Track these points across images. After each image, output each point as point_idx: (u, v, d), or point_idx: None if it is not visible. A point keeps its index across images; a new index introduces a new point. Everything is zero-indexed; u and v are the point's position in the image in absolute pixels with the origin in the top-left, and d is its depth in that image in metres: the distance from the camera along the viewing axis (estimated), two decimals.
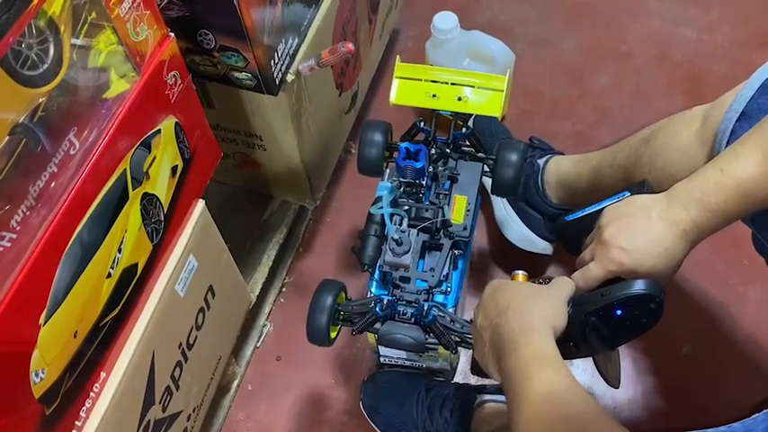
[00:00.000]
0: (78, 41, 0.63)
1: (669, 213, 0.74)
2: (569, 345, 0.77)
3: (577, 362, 1.17)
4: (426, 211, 0.89)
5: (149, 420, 0.85)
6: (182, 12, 0.85)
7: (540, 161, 1.19)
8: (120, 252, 0.74)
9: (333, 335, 0.88)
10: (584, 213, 0.89)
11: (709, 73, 1.49)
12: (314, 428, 1.15)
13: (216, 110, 1.02)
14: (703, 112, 0.88)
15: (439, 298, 0.90)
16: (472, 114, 1.22)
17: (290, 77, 0.97)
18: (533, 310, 0.72)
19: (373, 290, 0.91)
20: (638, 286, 0.72)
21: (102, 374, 0.77)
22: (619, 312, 0.73)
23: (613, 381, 0.83)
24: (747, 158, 0.71)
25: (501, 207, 1.23)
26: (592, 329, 0.74)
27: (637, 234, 0.75)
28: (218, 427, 1.14)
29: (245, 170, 1.19)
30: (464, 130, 0.96)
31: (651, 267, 0.74)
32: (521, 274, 0.86)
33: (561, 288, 0.76)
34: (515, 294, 0.75)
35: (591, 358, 0.81)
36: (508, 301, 0.74)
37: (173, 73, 0.77)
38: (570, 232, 0.92)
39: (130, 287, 0.78)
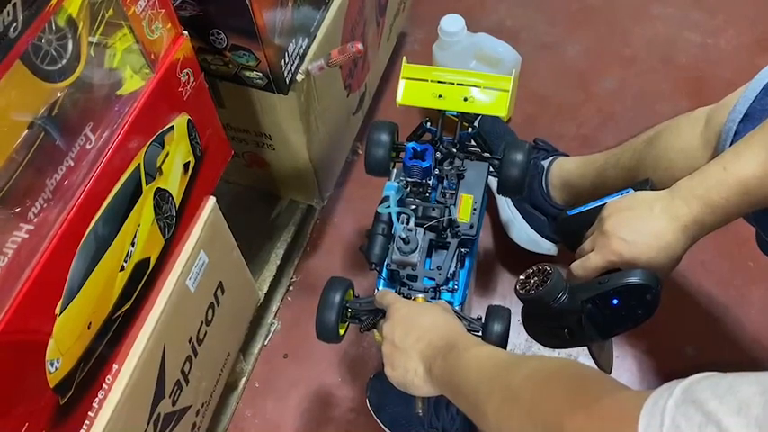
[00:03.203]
0: (95, 39, 0.65)
1: (671, 208, 0.75)
2: (563, 332, 0.78)
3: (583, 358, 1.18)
4: (433, 210, 0.90)
5: (159, 413, 0.86)
6: (195, 11, 0.86)
7: (545, 162, 1.20)
8: (133, 246, 0.75)
9: (341, 332, 0.89)
10: (587, 208, 0.90)
11: (713, 77, 1.50)
12: (320, 426, 1.16)
13: (226, 109, 1.03)
14: (706, 113, 0.89)
15: (446, 296, 0.91)
16: (478, 115, 1.23)
17: (299, 77, 0.99)
18: (451, 319, 0.79)
19: (381, 288, 0.92)
20: (636, 276, 0.73)
21: (115, 366, 0.78)
22: (615, 301, 0.74)
23: (605, 366, 0.84)
24: (750, 157, 0.72)
25: (506, 208, 1.25)
26: (587, 317, 0.75)
27: (638, 227, 0.76)
28: (226, 424, 1.15)
29: (253, 169, 1.20)
30: (470, 130, 0.98)
31: (650, 260, 0.75)
32: (420, 296, 0.88)
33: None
34: (433, 310, 0.80)
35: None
36: (429, 316, 0.78)
37: (186, 71, 0.78)
38: (572, 227, 0.93)
39: (143, 281, 0.79)
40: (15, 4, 0.52)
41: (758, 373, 0.42)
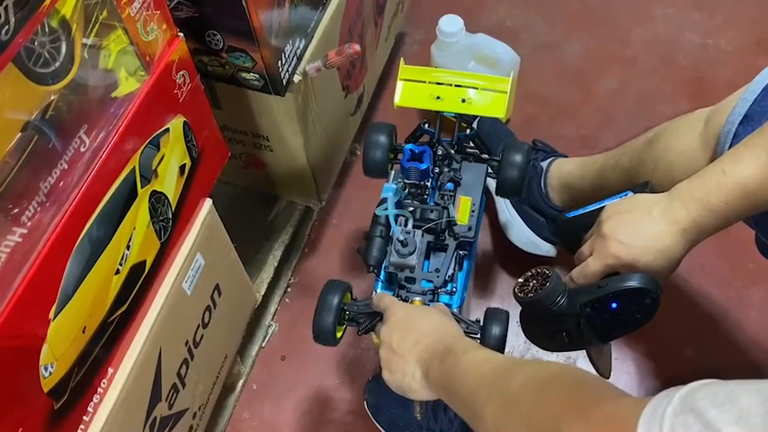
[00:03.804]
0: (89, 41, 0.64)
1: (670, 212, 0.74)
2: (562, 335, 0.77)
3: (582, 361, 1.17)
4: (431, 212, 0.90)
5: (156, 417, 0.86)
6: (191, 12, 0.86)
7: (544, 164, 1.19)
8: (128, 249, 0.75)
9: (338, 334, 0.89)
10: (586, 211, 0.90)
11: (713, 77, 1.49)
12: (318, 428, 1.16)
13: (223, 110, 1.03)
14: (706, 115, 0.89)
15: (444, 298, 0.90)
16: (477, 116, 1.22)
17: (296, 78, 0.98)
18: (449, 322, 0.78)
19: (379, 290, 0.92)
20: (635, 280, 0.72)
21: (110, 370, 0.77)
22: (614, 305, 0.74)
23: (604, 370, 0.84)
24: (749, 160, 0.72)
25: (504, 210, 1.24)
26: (586, 321, 0.75)
27: (637, 230, 0.76)
28: (223, 426, 1.15)
29: (251, 171, 1.20)
30: (468, 131, 0.97)
31: (649, 263, 0.75)
32: (418, 299, 0.88)
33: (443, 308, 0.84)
34: (430, 313, 0.79)
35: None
36: (426, 320, 0.77)
37: (181, 73, 0.78)
38: (571, 229, 0.92)
39: (138, 284, 0.79)
40: (7, 5, 0.52)
41: (758, 382, 0.42)
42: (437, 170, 0.94)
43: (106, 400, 0.76)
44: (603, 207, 0.82)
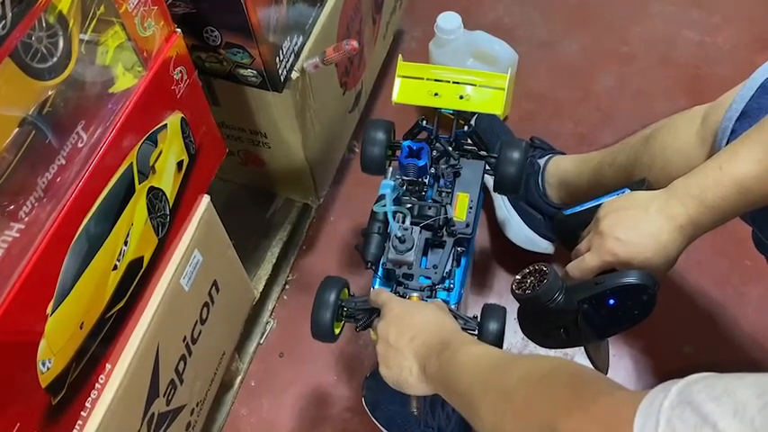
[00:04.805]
0: (86, 36, 0.64)
1: (667, 208, 0.75)
2: (560, 332, 0.78)
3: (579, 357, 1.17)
4: (429, 208, 0.90)
5: (153, 413, 0.86)
6: (188, 8, 0.86)
7: (541, 161, 1.19)
8: (126, 245, 0.75)
9: (336, 331, 0.89)
10: (583, 208, 0.90)
11: (711, 75, 1.49)
12: (316, 425, 1.16)
13: (221, 107, 1.03)
14: (703, 111, 0.89)
15: (442, 295, 0.90)
16: (475, 113, 1.22)
17: (294, 75, 0.98)
18: (446, 317, 0.78)
19: (377, 287, 0.92)
20: (632, 276, 0.73)
21: (108, 366, 0.77)
22: (611, 301, 0.74)
23: (602, 366, 0.84)
24: (746, 156, 0.72)
25: (502, 207, 1.24)
26: (584, 317, 0.75)
27: (634, 226, 0.76)
28: (221, 423, 1.15)
29: (249, 168, 1.20)
30: (466, 128, 0.97)
31: (646, 260, 0.75)
32: (415, 295, 0.88)
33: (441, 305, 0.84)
34: (427, 309, 0.79)
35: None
36: (423, 315, 0.77)
37: (179, 69, 0.78)
38: (568, 227, 0.92)
39: (136, 280, 0.79)
40: (4, 1, 0.52)
41: (755, 375, 0.42)
42: (433, 169, 0.93)
43: (104, 396, 0.76)
44: (600, 204, 0.82)
